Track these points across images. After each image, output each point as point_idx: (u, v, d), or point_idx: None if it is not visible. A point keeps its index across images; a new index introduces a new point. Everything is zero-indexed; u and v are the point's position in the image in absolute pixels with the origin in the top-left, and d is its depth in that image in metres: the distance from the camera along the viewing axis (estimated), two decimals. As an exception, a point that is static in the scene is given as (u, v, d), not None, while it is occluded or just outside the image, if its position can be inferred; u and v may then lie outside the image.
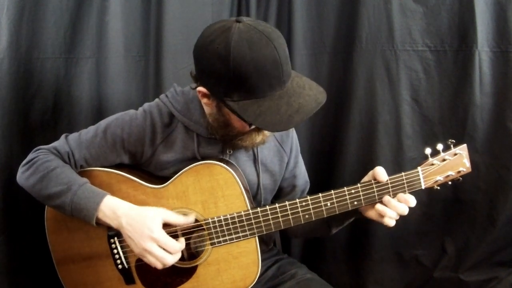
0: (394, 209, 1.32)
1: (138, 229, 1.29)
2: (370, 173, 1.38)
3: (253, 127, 1.27)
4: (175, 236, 1.38)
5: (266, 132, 1.35)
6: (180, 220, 1.35)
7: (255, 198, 1.51)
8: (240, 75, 1.14)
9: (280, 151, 1.54)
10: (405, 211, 1.32)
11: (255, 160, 1.50)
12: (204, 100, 1.29)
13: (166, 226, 1.33)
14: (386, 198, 1.33)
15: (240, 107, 1.18)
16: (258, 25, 1.18)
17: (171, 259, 1.31)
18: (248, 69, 1.13)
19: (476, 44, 1.89)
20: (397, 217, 1.34)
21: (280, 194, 1.62)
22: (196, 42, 1.24)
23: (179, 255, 1.34)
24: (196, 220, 1.39)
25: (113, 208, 1.32)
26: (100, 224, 1.34)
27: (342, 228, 1.53)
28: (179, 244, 1.33)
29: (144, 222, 1.29)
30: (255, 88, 1.16)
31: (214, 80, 1.19)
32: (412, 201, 1.33)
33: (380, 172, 1.33)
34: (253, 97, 1.17)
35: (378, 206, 1.33)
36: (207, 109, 1.36)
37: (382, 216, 1.33)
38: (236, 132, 1.33)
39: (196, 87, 1.28)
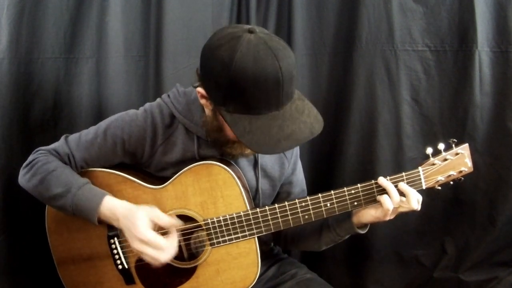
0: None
1: (129, 231, 1.28)
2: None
3: None
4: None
5: None
6: (168, 220, 1.32)
7: (253, 202, 1.50)
8: (238, 87, 1.12)
9: (282, 157, 1.53)
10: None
11: (255, 164, 1.49)
12: (202, 101, 1.28)
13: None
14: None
15: (232, 119, 1.16)
16: (270, 40, 1.14)
17: (164, 256, 1.28)
18: (247, 83, 1.11)
19: (476, 44, 1.89)
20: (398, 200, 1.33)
21: (275, 200, 1.59)
22: (206, 42, 1.21)
23: (172, 252, 1.30)
24: (195, 221, 1.39)
25: (112, 210, 1.32)
26: (102, 222, 1.35)
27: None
28: (166, 242, 1.28)
29: (133, 223, 1.28)
30: (250, 104, 1.14)
31: (214, 85, 1.17)
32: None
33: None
34: (247, 113, 1.15)
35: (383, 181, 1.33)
36: (205, 110, 1.35)
37: (383, 202, 1.32)
38: (227, 140, 1.31)
39: (197, 87, 1.26)
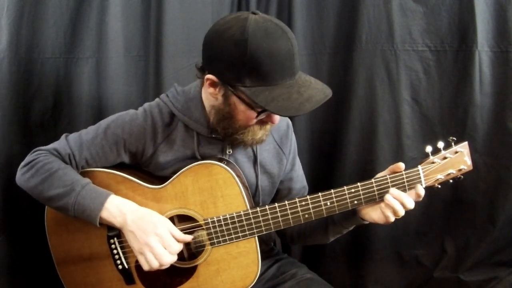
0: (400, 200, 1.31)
1: (143, 225, 1.30)
2: (390, 167, 1.37)
3: (258, 118, 1.28)
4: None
5: (267, 128, 1.36)
6: (178, 235, 1.35)
7: (253, 200, 1.50)
8: (255, 60, 1.17)
9: (280, 153, 1.54)
10: (411, 205, 1.32)
11: (254, 161, 1.50)
12: (210, 90, 1.30)
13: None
14: (395, 191, 1.33)
15: (252, 92, 1.20)
16: (273, 19, 1.23)
17: (169, 259, 1.31)
18: (263, 55, 1.16)
19: (476, 44, 1.89)
20: (402, 213, 1.32)
21: (276, 197, 1.61)
22: (208, 31, 1.27)
23: (175, 257, 1.34)
24: (195, 221, 1.39)
25: (119, 206, 1.33)
26: (102, 224, 1.35)
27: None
28: (179, 245, 1.34)
29: (150, 219, 1.32)
30: (267, 75, 1.19)
31: (226, 66, 1.21)
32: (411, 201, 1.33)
33: (400, 163, 1.35)
34: (265, 84, 1.20)
35: (388, 198, 1.32)
36: (210, 101, 1.36)
37: (385, 212, 1.32)
38: (238, 125, 1.33)
39: (201, 77, 1.30)
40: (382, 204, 1.33)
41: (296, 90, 1.21)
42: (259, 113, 1.25)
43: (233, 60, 1.19)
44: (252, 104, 1.22)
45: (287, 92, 1.20)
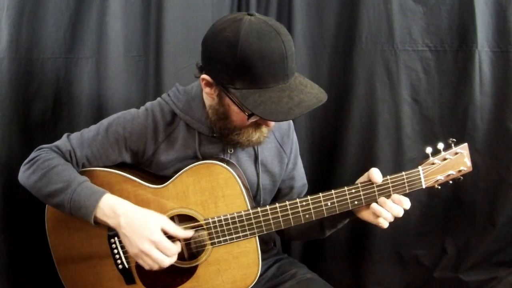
0: (389, 210, 1.32)
1: (138, 230, 1.29)
2: (366, 174, 1.36)
3: (250, 121, 1.27)
4: (170, 237, 1.38)
5: (264, 130, 1.36)
6: (178, 232, 1.35)
7: (254, 199, 1.51)
8: (246, 62, 1.16)
9: (281, 152, 1.54)
10: (400, 213, 1.32)
11: (255, 160, 1.50)
12: (206, 90, 1.31)
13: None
14: (382, 199, 1.33)
15: (242, 95, 1.20)
16: (269, 20, 1.22)
17: (168, 261, 1.31)
18: (254, 57, 1.16)
19: (476, 44, 1.89)
20: (392, 219, 1.33)
21: (277, 195, 1.62)
22: (206, 32, 1.27)
23: (175, 258, 1.34)
24: (196, 221, 1.39)
25: (112, 207, 1.32)
26: (98, 223, 1.34)
27: (341, 228, 1.52)
28: (177, 248, 1.34)
29: (145, 224, 1.30)
30: (258, 78, 1.18)
31: (220, 67, 1.21)
32: (406, 203, 1.33)
33: (375, 174, 1.32)
34: (256, 87, 1.19)
35: (374, 206, 1.33)
36: (208, 100, 1.37)
37: (377, 216, 1.33)
38: (233, 126, 1.33)
39: (200, 76, 1.30)
40: (374, 206, 1.33)
41: (288, 94, 1.20)
42: (249, 116, 1.24)
43: (226, 61, 1.19)
44: (241, 106, 1.23)
45: (277, 96, 1.19)
